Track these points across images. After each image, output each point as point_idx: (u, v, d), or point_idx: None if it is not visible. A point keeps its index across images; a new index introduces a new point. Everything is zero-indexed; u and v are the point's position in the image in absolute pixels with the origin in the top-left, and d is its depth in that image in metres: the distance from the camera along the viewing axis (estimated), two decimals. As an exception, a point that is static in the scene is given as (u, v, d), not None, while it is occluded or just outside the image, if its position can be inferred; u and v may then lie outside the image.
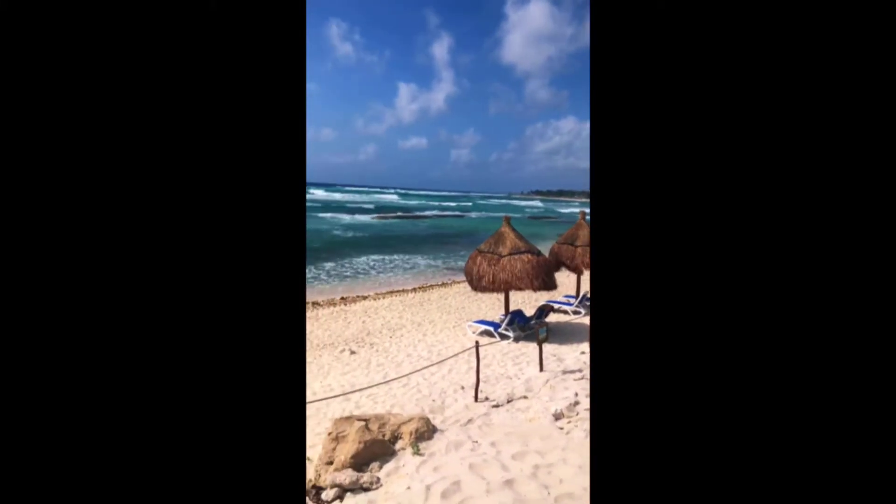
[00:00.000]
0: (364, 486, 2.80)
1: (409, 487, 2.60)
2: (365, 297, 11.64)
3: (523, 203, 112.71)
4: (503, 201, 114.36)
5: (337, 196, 74.40)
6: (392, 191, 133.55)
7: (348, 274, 14.90)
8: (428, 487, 2.52)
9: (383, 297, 11.67)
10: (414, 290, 12.82)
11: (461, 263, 15.97)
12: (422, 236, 27.20)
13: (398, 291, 12.59)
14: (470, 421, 3.85)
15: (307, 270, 14.70)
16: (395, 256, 18.53)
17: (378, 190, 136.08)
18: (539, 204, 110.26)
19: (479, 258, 8.13)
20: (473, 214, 54.94)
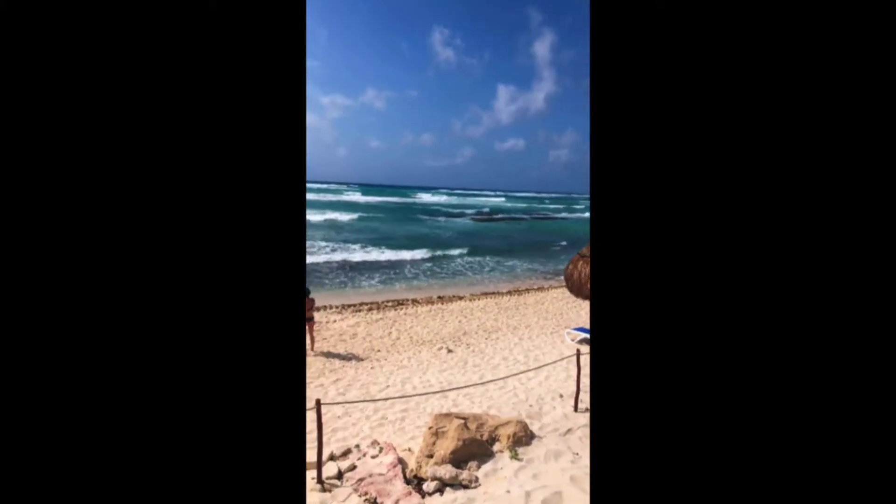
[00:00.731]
0: (463, 483, 2.85)
1: (508, 491, 2.59)
2: (461, 298, 11.85)
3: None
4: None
5: (435, 198, 76.88)
6: (489, 193, 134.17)
7: (445, 274, 15.30)
8: (528, 493, 2.49)
9: (479, 299, 11.77)
10: (509, 292, 12.73)
11: (560, 267, 15.46)
12: (519, 239, 26.91)
13: (493, 294, 12.60)
14: (569, 431, 3.71)
15: (405, 269, 15.40)
16: (491, 258, 18.59)
17: (475, 192, 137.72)
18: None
19: (580, 263, 7.81)
20: (574, 216, 52.89)
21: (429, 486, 2.88)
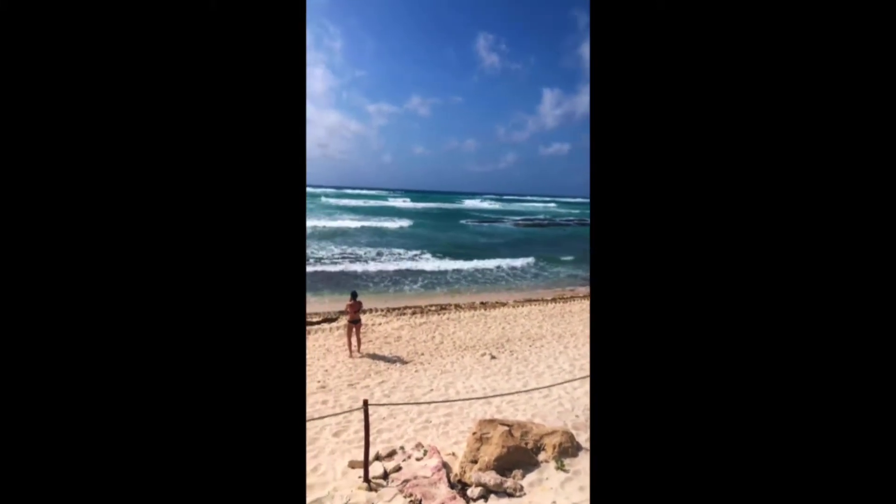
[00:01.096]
0: (508, 490, 2.83)
1: (554, 502, 2.55)
2: (504, 304, 11.75)
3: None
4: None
5: (479, 204, 76.86)
6: (535, 198, 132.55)
7: (487, 280, 15.23)
8: (575, 506, 2.43)
9: (522, 305, 11.62)
10: (554, 300, 12.49)
11: (606, 275, 14.89)
12: (564, 244, 26.34)
13: (537, 300, 12.40)
14: (618, 445, 3.59)
15: (446, 275, 15.47)
16: (534, 263, 18.32)
17: (520, 198, 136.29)
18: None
19: (629, 270, 7.53)
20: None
21: (473, 491, 2.88)
